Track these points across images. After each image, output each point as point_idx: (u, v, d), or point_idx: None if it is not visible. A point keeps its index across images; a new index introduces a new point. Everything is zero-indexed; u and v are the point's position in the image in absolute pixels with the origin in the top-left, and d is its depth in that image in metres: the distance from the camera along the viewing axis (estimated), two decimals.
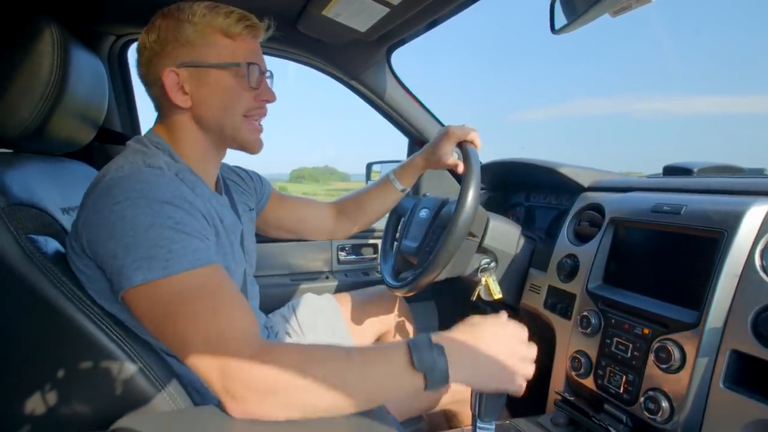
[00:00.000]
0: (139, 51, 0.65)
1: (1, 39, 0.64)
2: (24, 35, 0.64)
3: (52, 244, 0.61)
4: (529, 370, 0.59)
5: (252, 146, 0.70)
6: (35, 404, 0.58)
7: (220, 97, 0.65)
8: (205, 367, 0.49)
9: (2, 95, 0.63)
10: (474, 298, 1.00)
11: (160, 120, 0.68)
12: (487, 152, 0.93)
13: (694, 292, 0.67)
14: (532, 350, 0.60)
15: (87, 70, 0.74)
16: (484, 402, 0.58)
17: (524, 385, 0.58)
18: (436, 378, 0.52)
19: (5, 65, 0.63)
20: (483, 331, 0.57)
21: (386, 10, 0.96)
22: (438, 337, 0.55)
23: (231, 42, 0.65)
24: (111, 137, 1.16)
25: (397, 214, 1.27)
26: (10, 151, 0.71)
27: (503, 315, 0.61)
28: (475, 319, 0.60)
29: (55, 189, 0.71)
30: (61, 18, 0.69)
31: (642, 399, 0.69)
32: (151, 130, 0.68)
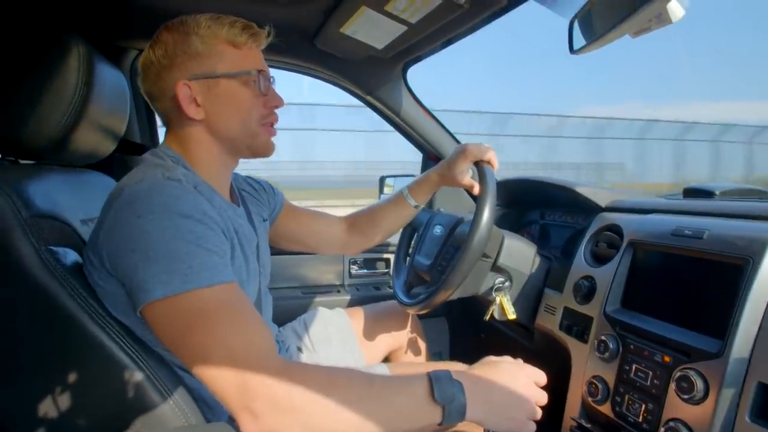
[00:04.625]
0: (145, 66, 0.65)
1: (30, 55, 0.66)
2: (51, 52, 0.65)
3: (71, 256, 0.62)
4: (539, 413, 0.59)
5: (267, 150, 0.72)
6: (47, 413, 0.58)
7: (233, 107, 0.66)
8: (224, 381, 0.49)
9: (29, 109, 0.64)
10: (487, 318, 0.99)
11: (171, 133, 0.68)
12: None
13: (718, 320, 0.65)
14: (545, 396, 0.60)
15: (110, 84, 0.76)
16: None
17: (534, 427, 0.58)
18: (453, 413, 0.52)
19: (32, 80, 0.65)
20: (501, 373, 0.58)
21: (404, 28, 0.97)
22: (457, 374, 0.55)
23: (238, 51, 0.66)
24: (131, 148, 1.18)
25: (411, 228, 1.27)
26: (33, 162, 0.73)
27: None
28: (493, 359, 0.62)
29: (77, 200, 0.73)
30: (86, 34, 0.70)
31: (662, 429, 0.66)
32: (163, 143, 0.69)
